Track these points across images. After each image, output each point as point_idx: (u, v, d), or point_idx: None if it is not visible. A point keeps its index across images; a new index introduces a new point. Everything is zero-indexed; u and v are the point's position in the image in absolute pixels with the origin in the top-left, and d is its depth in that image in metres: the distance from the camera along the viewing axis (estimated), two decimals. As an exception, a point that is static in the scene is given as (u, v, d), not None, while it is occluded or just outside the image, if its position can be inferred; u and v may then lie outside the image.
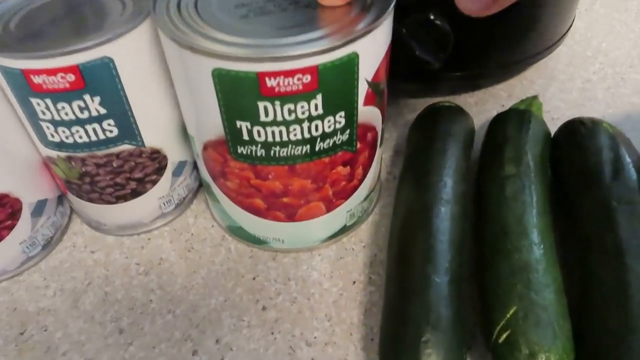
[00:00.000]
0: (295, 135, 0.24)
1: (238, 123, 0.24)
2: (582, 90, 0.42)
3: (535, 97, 0.36)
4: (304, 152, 0.25)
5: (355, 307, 0.29)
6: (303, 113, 0.24)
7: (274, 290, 0.30)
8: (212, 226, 0.33)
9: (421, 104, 0.41)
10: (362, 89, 0.25)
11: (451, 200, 0.29)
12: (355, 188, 0.30)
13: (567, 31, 0.43)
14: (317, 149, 0.26)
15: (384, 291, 0.27)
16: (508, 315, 0.24)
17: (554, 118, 0.39)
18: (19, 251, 0.30)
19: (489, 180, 0.30)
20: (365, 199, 0.31)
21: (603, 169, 0.29)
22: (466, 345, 0.24)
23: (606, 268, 0.25)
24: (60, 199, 0.32)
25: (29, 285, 0.30)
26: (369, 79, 0.25)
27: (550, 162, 0.33)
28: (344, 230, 0.32)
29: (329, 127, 0.25)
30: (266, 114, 0.23)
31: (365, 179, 0.30)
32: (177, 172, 0.32)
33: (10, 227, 0.29)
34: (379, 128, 0.29)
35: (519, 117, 0.33)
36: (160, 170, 0.30)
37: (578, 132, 0.32)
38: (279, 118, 0.24)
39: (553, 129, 0.34)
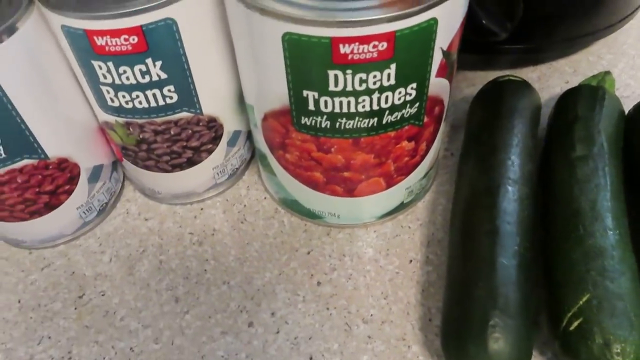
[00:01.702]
0: (363, 107, 0.23)
1: (305, 92, 0.23)
2: (654, 68, 0.39)
3: (607, 73, 0.34)
4: (370, 125, 0.24)
5: (413, 287, 0.28)
6: (374, 83, 0.22)
7: (329, 266, 0.29)
8: (265, 198, 0.33)
9: (480, 77, 0.39)
10: (437, 59, 0.23)
11: (518, 180, 0.27)
12: (417, 164, 0.28)
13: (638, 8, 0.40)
14: (384, 122, 0.24)
15: (447, 272, 0.26)
16: (581, 303, 0.23)
17: (623, 96, 0.37)
18: (76, 216, 0.30)
19: (559, 161, 0.29)
20: (424, 176, 0.30)
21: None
22: (534, 331, 0.23)
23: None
24: (115, 165, 0.32)
25: (85, 250, 0.31)
26: (445, 48, 0.23)
27: (624, 143, 0.31)
28: (400, 207, 0.31)
29: (399, 99, 0.24)
30: (336, 84, 0.22)
31: (428, 155, 0.29)
32: (231, 142, 0.31)
33: (69, 192, 0.29)
34: (446, 101, 0.27)
35: (591, 93, 0.31)
36: (216, 140, 0.30)
37: (655, 112, 0.30)
38: (349, 88, 0.22)
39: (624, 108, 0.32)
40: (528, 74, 0.40)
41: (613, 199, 0.26)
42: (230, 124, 0.30)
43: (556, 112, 0.32)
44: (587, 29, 0.39)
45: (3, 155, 0.25)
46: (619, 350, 0.21)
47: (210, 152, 0.30)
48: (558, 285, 0.24)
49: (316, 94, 0.23)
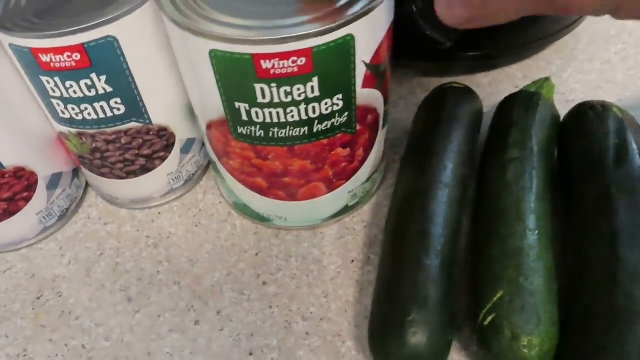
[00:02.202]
0: (292, 117, 0.25)
1: (237, 104, 0.25)
2: (601, 72, 0.40)
3: (547, 79, 0.35)
4: (302, 133, 0.26)
5: (352, 285, 0.29)
6: (300, 95, 0.24)
7: (275, 267, 0.31)
8: (220, 202, 0.34)
9: (435, 83, 0.40)
10: (360, 72, 0.25)
11: (450, 183, 0.29)
12: (356, 169, 0.30)
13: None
14: (315, 130, 0.26)
15: (377, 271, 0.28)
16: (495, 299, 0.24)
17: (569, 100, 0.38)
18: (36, 221, 0.32)
19: (491, 164, 0.30)
20: (367, 180, 0.32)
21: (607, 155, 0.28)
22: (453, 327, 0.25)
23: (597, 255, 0.25)
24: (76, 172, 0.34)
25: (46, 254, 0.32)
26: (368, 61, 0.25)
27: (558, 146, 0.32)
28: (346, 210, 0.32)
29: (327, 109, 0.25)
30: (263, 96, 0.24)
31: (367, 161, 0.30)
32: (185, 149, 0.32)
33: (27, 199, 0.30)
34: (380, 110, 0.29)
35: (527, 99, 0.33)
36: (168, 148, 0.31)
37: (586, 116, 0.31)
38: (276, 100, 0.24)
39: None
40: (480, 79, 0.41)
41: (538, 200, 0.28)
42: (183, 132, 0.32)
43: (495, 117, 0.33)
44: (534, 35, 0.40)
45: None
46: (525, 343, 0.23)
47: (163, 159, 0.32)
48: (478, 282, 0.26)
49: (247, 106, 0.25)
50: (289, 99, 0.24)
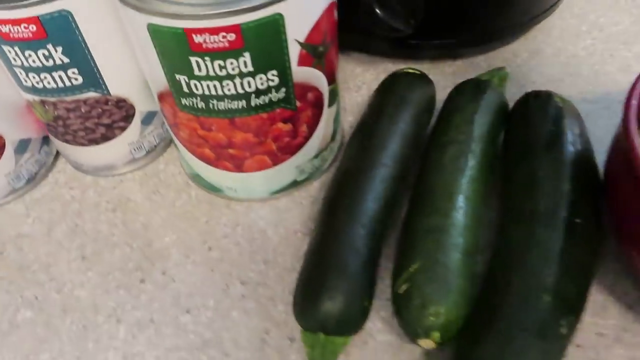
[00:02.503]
0: (229, 90, 0.26)
1: (177, 76, 0.26)
2: (566, 65, 0.41)
3: (501, 69, 0.36)
4: (240, 106, 0.27)
5: (292, 255, 0.31)
6: (233, 69, 0.25)
7: (222, 234, 0.32)
8: (179, 173, 0.36)
9: (399, 65, 0.41)
10: (294, 50, 0.26)
11: (389, 164, 0.30)
12: (301, 145, 0.31)
13: (557, 3, 0.42)
14: (253, 104, 0.27)
15: (309, 241, 0.29)
16: (411, 270, 0.26)
17: (527, 92, 0.39)
18: (4, 182, 0.34)
19: (432, 146, 0.31)
20: (316, 156, 0.33)
21: (540, 141, 0.29)
22: (371, 295, 0.26)
23: (516, 235, 0.26)
24: (46, 140, 0.36)
25: (12, 213, 0.35)
26: (301, 40, 0.26)
27: (504, 133, 0.33)
28: (295, 184, 0.34)
29: (262, 84, 0.27)
30: (199, 69, 0.25)
31: (313, 137, 0.32)
32: (146, 121, 0.34)
33: (-5, 161, 0.33)
34: (323, 89, 0.30)
35: (475, 87, 0.34)
36: (128, 118, 0.33)
37: (528, 104, 0.32)
38: (212, 73, 0.26)
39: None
40: (445, 68, 0.42)
41: (470, 181, 0.29)
42: (143, 104, 0.33)
43: (444, 103, 0.34)
44: (500, 25, 0.41)
45: None
46: (432, 312, 0.24)
47: (123, 129, 0.33)
48: (399, 254, 0.27)
49: (186, 78, 0.26)
50: (224, 72, 0.26)
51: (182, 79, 0.26)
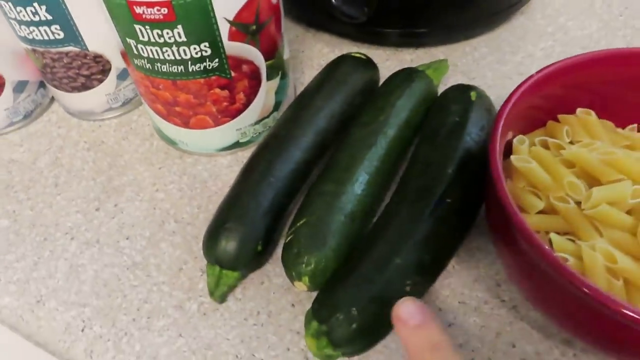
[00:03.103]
0: (169, 55, 0.31)
1: (128, 40, 0.32)
2: (518, 65, 0.43)
3: (442, 61, 0.39)
4: (180, 70, 0.32)
5: (222, 204, 0.36)
6: (170, 39, 0.30)
7: (170, 180, 0.38)
8: (148, 125, 0.42)
9: (364, 49, 0.45)
10: (224, 26, 0.31)
11: (310, 135, 0.34)
12: (240, 111, 0.36)
13: (519, 2, 0.44)
14: (190, 70, 0.32)
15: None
16: (298, 224, 0.30)
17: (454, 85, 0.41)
18: (4, 116, 0.41)
19: (353, 124, 0.35)
20: (257, 122, 0.38)
21: (442, 129, 0.33)
22: (264, 241, 0.31)
23: (392, 208, 0.30)
24: (43, 84, 0.42)
25: (9, 142, 0.42)
26: (230, 19, 0.31)
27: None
28: (237, 145, 0.38)
29: (197, 53, 0.31)
30: (142, 35, 0.30)
31: (252, 106, 0.36)
32: (121, 76, 0.40)
33: (-4, 96, 0.39)
34: (259, 63, 0.34)
35: (407, 75, 0.37)
36: (104, 72, 0.39)
37: (447, 95, 0.35)
38: (152, 40, 0.31)
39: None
40: (405, 55, 0.45)
41: (373, 159, 0.33)
42: (118, 61, 0.39)
43: (379, 87, 0.38)
44: (462, 18, 0.43)
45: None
46: (304, 260, 0.29)
47: (100, 81, 0.39)
48: (297, 212, 0.32)
49: (134, 42, 0.31)
50: (162, 40, 0.30)
51: (131, 42, 0.31)
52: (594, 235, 0.27)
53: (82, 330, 0.31)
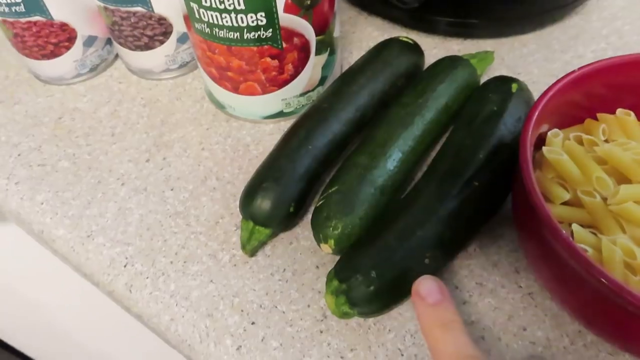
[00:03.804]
0: (227, 22, 0.34)
1: (191, 4, 0.34)
2: (566, 64, 0.43)
3: (487, 52, 0.40)
4: (235, 37, 0.34)
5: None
6: (230, 5, 0.32)
7: (215, 140, 0.40)
8: (200, 88, 0.44)
9: (415, 38, 0.46)
10: (281, -1, 0.33)
11: (351, 110, 0.36)
12: (287, 81, 0.38)
13: (573, 2, 0.44)
14: (245, 37, 0.34)
15: (268, 155, 0.36)
16: (330, 191, 0.32)
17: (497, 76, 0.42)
18: (72, 67, 0.44)
19: (393, 104, 0.36)
20: (302, 95, 0.40)
21: (479, 116, 0.34)
22: (297, 202, 0.33)
23: (420, 185, 0.31)
24: (110, 41, 0.45)
25: (75, 92, 0.45)
26: (288, -8, 0.32)
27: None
28: (281, 114, 0.40)
29: (252, 22, 0.33)
30: (205, 0, 0.33)
31: (299, 77, 0.38)
32: (181, 40, 0.43)
33: (67, 47, 0.43)
34: (309, 37, 0.36)
35: (451, 62, 0.38)
36: (166, 35, 0.42)
37: (490, 85, 0.36)
38: (214, 5, 0.33)
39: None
40: (453, 45, 0.46)
41: (408, 138, 0.34)
42: (180, 25, 0.41)
43: (423, 71, 0.39)
44: (513, 13, 0.44)
45: (23, 10, 0.39)
46: (332, 224, 0.31)
47: (162, 42, 0.42)
48: (330, 180, 0.33)
49: (197, 6, 0.34)
50: (223, 6, 0.33)
51: (194, 6, 0.34)
52: (617, 231, 0.27)
53: (125, 266, 0.34)
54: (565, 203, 0.29)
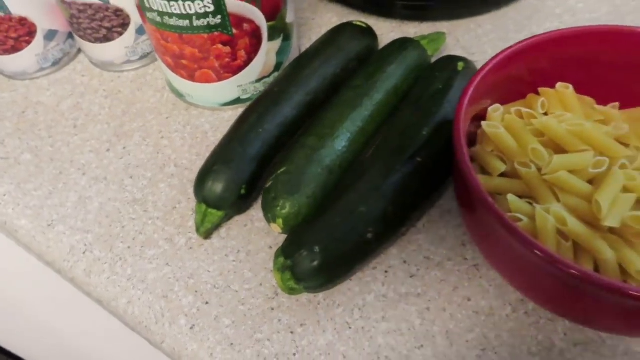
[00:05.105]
0: (175, 9, 0.34)
1: (140, -7, 0.35)
2: (521, 43, 0.44)
3: (439, 33, 0.40)
4: (185, 25, 0.35)
5: (219, 153, 0.39)
6: (177, -7, 0.33)
7: (174, 129, 0.41)
8: (161, 78, 0.45)
9: (371, 23, 0.46)
10: (226, -15, 0.33)
11: (301, 93, 0.36)
12: (241, 68, 0.39)
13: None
14: (195, 25, 0.35)
15: (222, 140, 0.37)
16: (278, 172, 0.33)
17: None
18: (34, 61, 0.45)
19: (344, 86, 0.37)
20: (257, 81, 0.40)
21: (425, 95, 0.34)
22: (248, 184, 0.34)
23: (366, 162, 0.32)
24: (72, 35, 0.46)
25: (38, 86, 0.46)
26: (234, -21, 0.33)
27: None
28: (239, 101, 0.41)
29: (200, 9, 0.34)
30: (153, -11, 0.33)
31: (253, 63, 0.39)
32: (140, 31, 0.43)
33: (28, 42, 0.43)
34: (260, 23, 0.37)
35: (401, 43, 0.38)
36: (124, 26, 0.42)
37: (437, 65, 0.37)
38: (162, -6, 0.33)
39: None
40: (409, 29, 0.46)
41: (356, 119, 0.35)
42: (137, 16, 0.42)
43: (375, 54, 0.40)
44: (465, -3, 0.44)
45: None
46: (280, 204, 0.31)
47: (120, 34, 0.42)
48: (280, 160, 0.34)
49: (146, -5, 0.34)
50: (170, -6, 0.33)
51: (143, -5, 0.34)
52: (551, 200, 0.28)
53: (84, 253, 0.35)
54: (505, 175, 0.30)
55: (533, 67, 0.33)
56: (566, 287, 0.25)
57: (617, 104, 0.34)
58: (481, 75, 0.30)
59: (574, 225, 0.27)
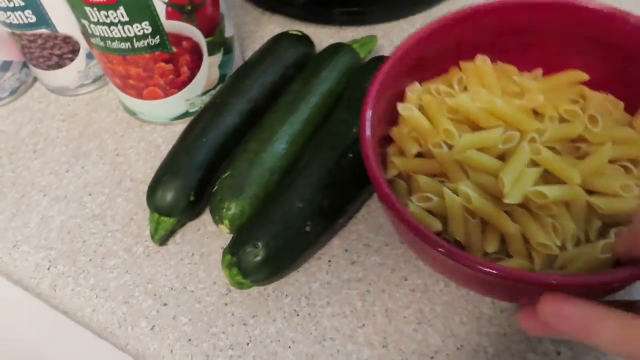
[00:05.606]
0: (116, 34, 0.37)
1: (82, 21, 0.37)
2: (450, 39, 0.47)
3: (371, 37, 0.43)
4: (127, 47, 0.37)
5: (172, 165, 0.41)
6: (115, 19, 0.35)
7: (129, 145, 0.43)
8: (115, 99, 0.47)
9: (310, 31, 0.49)
10: (161, 8, 0.36)
11: (243, 102, 0.39)
12: (185, 83, 0.41)
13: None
14: (136, 46, 0.37)
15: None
16: (223, 177, 0.35)
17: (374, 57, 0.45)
18: (-9, 92, 0.47)
19: (282, 92, 0.40)
20: (204, 94, 0.43)
21: (355, 95, 0.37)
22: (197, 192, 0.36)
23: (303, 160, 0.35)
24: (27, 64, 0.48)
25: (-2, 115, 0.48)
26: (166, 0, 0.35)
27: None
28: (188, 115, 0.43)
29: (139, 31, 0.36)
30: (92, 17, 0.36)
31: (196, 78, 0.41)
32: (90, 56, 0.45)
33: (-17, 75, 0.45)
34: (199, 40, 0.39)
35: (334, 49, 0.41)
36: (75, 52, 0.44)
37: (367, 65, 0.40)
38: (101, 20, 0.36)
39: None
40: (348, 33, 0.49)
41: (295, 123, 0.37)
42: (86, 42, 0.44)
43: (311, 60, 0.42)
44: None
45: None
46: (225, 206, 0.34)
47: (72, 60, 0.45)
48: (224, 166, 0.36)
49: (87, 23, 0.37)
50: (109, 20, 0.36)
51: (85, 23, 0.37)
52: (462, 178, 0.30)
53: (49, 269, 0.37)
54: (422, 156, 0.32)
55: (460, 39, 0.34)
56: (451, 266, 0.26)
57: (540, 70, 0.35)
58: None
59: (479, 203, 0.29)
